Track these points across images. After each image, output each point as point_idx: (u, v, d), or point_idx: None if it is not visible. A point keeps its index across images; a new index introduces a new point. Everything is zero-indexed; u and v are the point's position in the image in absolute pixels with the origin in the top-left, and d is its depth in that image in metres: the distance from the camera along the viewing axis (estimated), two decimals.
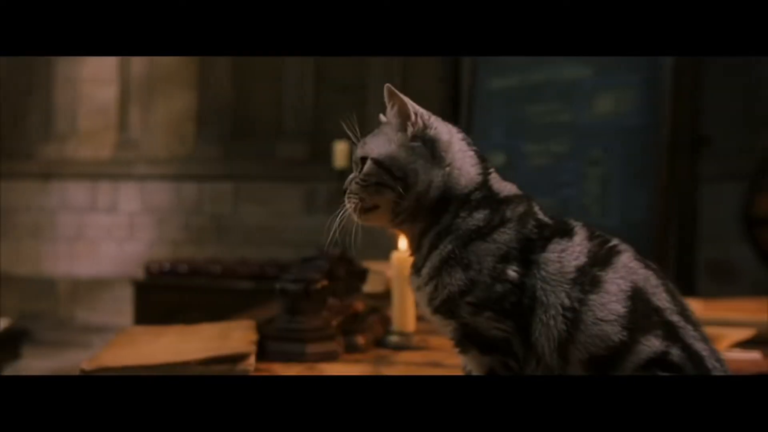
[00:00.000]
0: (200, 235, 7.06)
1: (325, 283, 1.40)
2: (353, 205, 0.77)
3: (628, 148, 3.52)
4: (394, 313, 1.50)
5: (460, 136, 0.81)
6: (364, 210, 0.77)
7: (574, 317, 0.69)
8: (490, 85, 3.96)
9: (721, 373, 0.71)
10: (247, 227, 7.10)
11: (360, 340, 1.45)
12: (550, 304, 0.70)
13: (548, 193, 3.70)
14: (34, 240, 7.29)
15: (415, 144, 0.76)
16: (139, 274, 5.63)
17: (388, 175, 0.75)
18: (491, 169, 0.80)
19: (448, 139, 0.78)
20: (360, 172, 0.77)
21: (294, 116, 6.88)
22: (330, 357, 1.34)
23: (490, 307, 0.71)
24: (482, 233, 0.73)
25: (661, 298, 0.72)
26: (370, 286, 1.94)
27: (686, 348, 0.70)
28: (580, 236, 0.75)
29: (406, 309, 1.50)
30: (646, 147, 3.45)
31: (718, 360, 0.72)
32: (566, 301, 0.70)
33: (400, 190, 0.75)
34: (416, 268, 0.77)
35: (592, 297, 0.70)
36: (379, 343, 1.50)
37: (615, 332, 0.69)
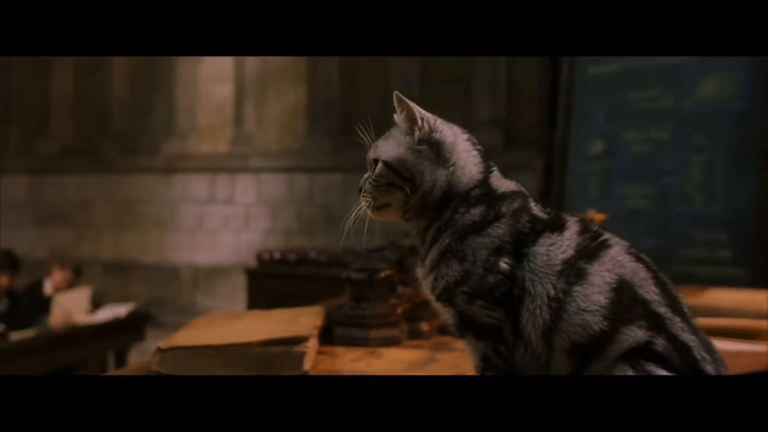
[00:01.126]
0: (311, 224, 7.30)
1: (389, 272, 1.47)
2: (367, 203, 0.84)
3: (733, 134, 3.37)
4: None
5: (465, 137, 0.86)
6: (377, 207, 0.83)
7: (558, 307, 0.73)
8: (589, 72, 3.89)
9: (711, 364, 0.72)
10: (356, 217, 7.24)
11: (424, 326, 1.51)
12: (536, 294, 0.74)
13: (648, 181, 3.61)
14: (159, 230, 7.77)
15: (422, 147, 0.82)
16: (253, 262, 5.91)
17: (397, 177, 0.81)
18: (493, 168, 0.84)
19: (453, 141, 0.83)
20: (372, 173, 0.83)
21: None
22: (392, 342, 1.42)
23: (482, 296, 0.76)
24: (477, 228, 0.78)
25: (649, 290, 0.74)
26: None
27: (672, 339, 0.72)
28: (571, 231, 0.78)
29: None
30: (753, 133, 3.30)
31: (708, 351, 0.74)
32: (551, 292, 0.74)
33: (408, 190, 0.81)
34: (421, 260, 0.83)
35: (576, 288, 0.73)
36: (443, 330, 1.55)
37: (596, 322, 0.72)
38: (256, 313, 1.49)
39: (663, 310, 0.73)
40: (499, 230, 0.77)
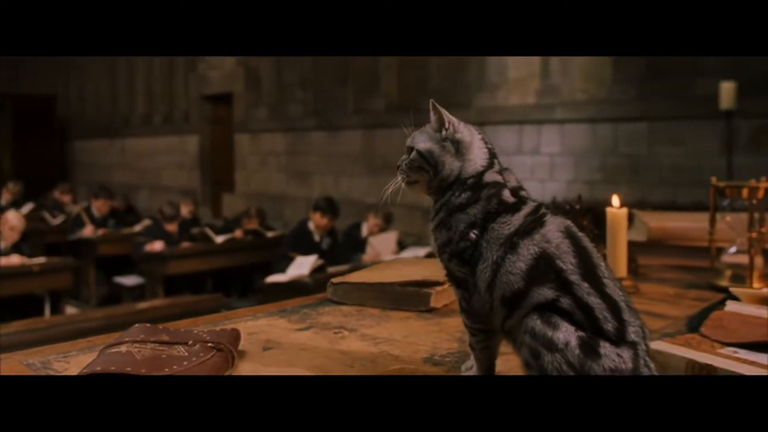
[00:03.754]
0: (615, 175, 7.25)
1: None
2: (402, 179, 1.10)
3: None
4: (608, 259, 1.72)
5: (480, 137, 1.06)
6: (409, 183, 1.09)
7: (495, 269, 0.94)
8: None
9: (610, 323, 0.88)
10: (662, 167, 7.02)
11: None
12: (486, 258, 0.96)
13: None
14: None
15: (446, 143, 1.06)
16: None
17: (425, 163, 1.06)
18: (495, 164, 1.05)
19: (470, 140, 1.05)
20: (408, 157, 1.09)
21: None
22: None
23: (457, 256, 0.99)
24: (462, 207, 1.00)
25: (566, 261, 0.91)
26: (635, 234, 2.12)
27: (577, 300, 0.88)
28: (522, 213, 0.97)
29: (617, 257, 1.70)
30: None
31: (613, 313, 0.88)
32: (494, 258, 0.94)
33: (431, 174, 1.06)
34: (430, 226, 1.08)
35: (509, 256, 0.93)
36: None
37: (516, 281, 0.91)
38: (430, 261, 1.82)
39: (574, 277, 0.90)
40: (475, 210, 0.99)
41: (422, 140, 1.07)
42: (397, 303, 1.52)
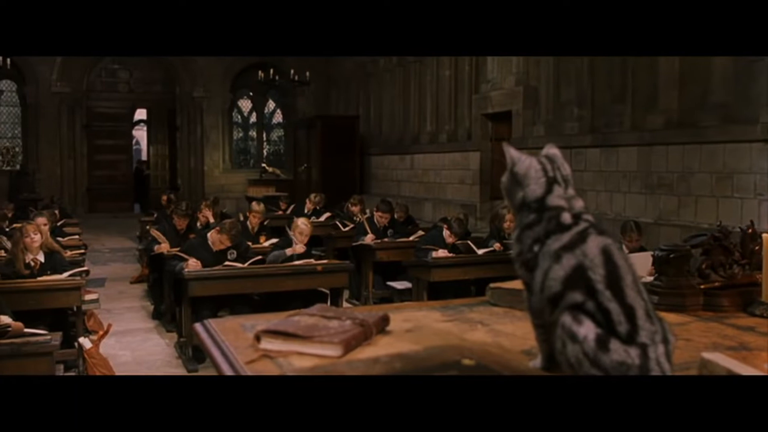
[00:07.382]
0: None
1: (686, 252, 1.83)
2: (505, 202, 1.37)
3: None
4: (763, 284, 1.78)
5: (538, 167, 1.29)
6: (510, 208, 1.37)
7: (545, 275, 1.17)
8: None
9: (623, 325, 1.06)
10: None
11: (724, 302, 1.81)
12: (541, 267, 1.19)
13: None
14: (756, 199, 7.78)
15: (512, 177, 1.32)
16: None
17: (505, 192, 1.33)
18: (554, 189, 1.26)
19: (524, 173, 1.29)
20: None
21: None
22: (676, 308, 1.78)
23: (524, 265, 1.23)
24: (529, 226, 1.24)
25: (596, 272, 1.10)
26: None
27: (598, 304, 1.09)
28: (570, 233, 1.16)
29: None
30: None
31: (628, 318, 1.07)
32: (545, 266, 1.17)
33: (509, 200, 1.32)
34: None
35: (554, 266, 1.15)
36: (746, 308, 1.80)
37: (555, 286, 1.13)
38: None
39: (600, 287, 1.10)
40: (539, 228, 1.23)
41: (504, 176, 1.36)
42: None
